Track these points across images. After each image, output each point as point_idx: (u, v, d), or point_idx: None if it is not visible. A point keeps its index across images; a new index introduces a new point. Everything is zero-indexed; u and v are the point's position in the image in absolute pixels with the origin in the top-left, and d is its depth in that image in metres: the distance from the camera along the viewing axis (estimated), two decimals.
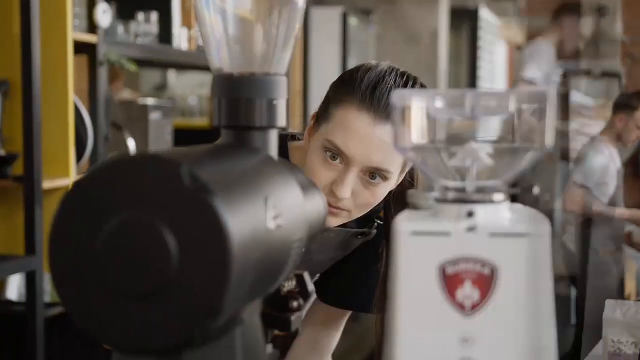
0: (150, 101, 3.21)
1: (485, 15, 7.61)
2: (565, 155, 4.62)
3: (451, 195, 0.67)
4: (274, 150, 0.76)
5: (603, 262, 4.18)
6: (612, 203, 4.22)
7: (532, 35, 9.89)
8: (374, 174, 1.23)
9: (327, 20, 4.88)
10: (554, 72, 4.39)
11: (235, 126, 0.75)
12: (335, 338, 1.53)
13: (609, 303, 1.97)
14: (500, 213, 0.66)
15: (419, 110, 0.67)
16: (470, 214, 0.65)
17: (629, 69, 4.73)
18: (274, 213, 0.66)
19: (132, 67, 2.71)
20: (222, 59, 0.77)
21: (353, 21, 4.99)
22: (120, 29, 2.96)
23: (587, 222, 4.20)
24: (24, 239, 2.35)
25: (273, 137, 0.76)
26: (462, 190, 0.67)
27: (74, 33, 2.53)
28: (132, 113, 3.14)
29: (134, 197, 0.58)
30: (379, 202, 1.29)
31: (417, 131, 0.67)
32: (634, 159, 4.50)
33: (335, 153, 1.23)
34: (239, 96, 0.74)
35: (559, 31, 4.36)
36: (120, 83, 3.96)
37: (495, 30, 8.33)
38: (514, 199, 0.69)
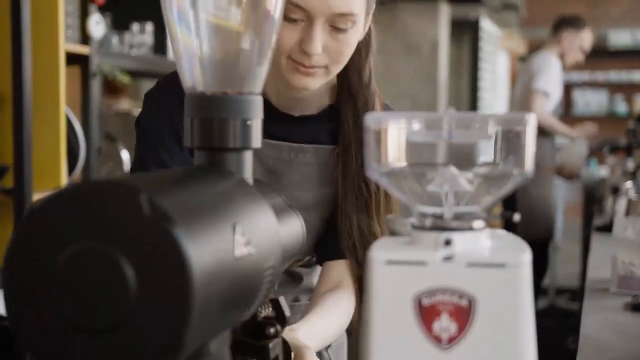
0: None
1: (486, 25, 7.59)
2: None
3: (428, 222, 0.64)
4: (248, 171, 0.73)
5: (545, 178, 4.25)
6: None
7: (533, 46, 9.90)
8: (339, 21, 1.19)
9: None
10: (559, 85, 4.41)
11: (208, 147, 0.72)
12: (352, 300, 1.34)
13: (619, 220, 1.83)
14: (479, 241, 0.64)
15: (394, 133, 0.64)
16: (448, 242, 0.62)
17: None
18: (243, 240, 0.63)
19: (125, 79, 2.69)
20: (194, 77, 0.74)
21: None
22: (115, 39, 2.94)
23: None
24: None
25: (247, 158, 0.73)
26: (440, 216, 0.65)
27: (66, 44, 2.50)
28: (127, 124, 3.12)
29: (91, 224, 0.55)
30: (352, 50, 1.24)
31: (392, 154, 0.65)
32: None
33: (294, 12, 1.18)
34: (212, 116, 0.72)
35: (559, 44, 4.36)
36: (122, 94, 3.93)
37: (497, 40, 8.31)
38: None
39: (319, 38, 1.19)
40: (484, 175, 0.64)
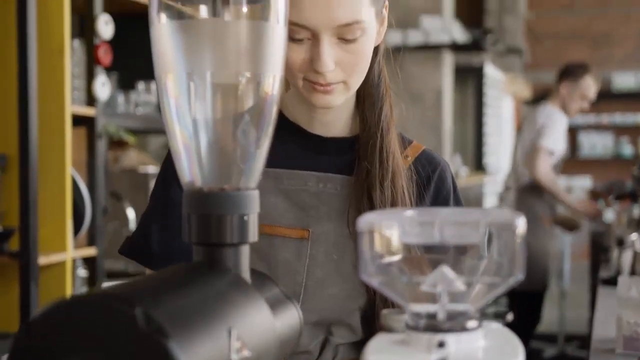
0: (152, 169, 3.21)
1: (490, 71, 7.64)
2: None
3: (422, 322, 0.65)
4: (245, 265, 0.74)
5: (540, 228, 4.23)
6: (555, 171, 4.35)
7: (537, 90, 9.96)
8: (347, 32, 1.11)
9: None
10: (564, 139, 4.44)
11: (205, 243, 0.73)
12: None
13: (622, 279, 1.80)
14: (473, 342, 0.64)
15: (386, 235, 0.65)
16: (441, 344, 0.63)
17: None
18: (239, 344, 0.64)
19: (131, 139, 2.72)
20: (192, 173, 0.75)
21: None
22: (121, 98, 2.98)
23: (531, 187, 4.29)
24: (18, 316, 2.33)
25: (244, 253, 0.74)
26: (434, 316, 0.65)
27: (73, 106, 2.53)
28: (133, 181, 3.14)
29: (86, 339, 0.56)
30: (368, 59, 1.16)
31: (384, 255, 0.65)
32: None
33: (298, 32, 1.10)
34: (209, 212, 0.73)
35: (559, 95, 4.40)
36: (128, 147, 3.97)
37: (501, 85, 8.36)
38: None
39: (329, 54, 1.11)
40: (476, 276, 0.65)
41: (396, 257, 0.67)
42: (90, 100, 2.64)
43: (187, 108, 0.74)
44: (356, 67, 1.14)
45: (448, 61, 5.66)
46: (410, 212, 0.67)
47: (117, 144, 3.68)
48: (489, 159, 7.70)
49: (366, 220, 0.65)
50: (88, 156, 2.64)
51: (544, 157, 4.21)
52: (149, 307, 0.56)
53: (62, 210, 2.47)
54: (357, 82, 1.17)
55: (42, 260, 2.39)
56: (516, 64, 9.71)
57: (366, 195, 1.19)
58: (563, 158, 4.53)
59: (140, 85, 3.10)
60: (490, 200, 6.92)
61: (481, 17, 10.04)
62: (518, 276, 0.63)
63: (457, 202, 1.28)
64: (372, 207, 1.18)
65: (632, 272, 2.66)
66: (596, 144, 10.35)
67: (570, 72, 4.38)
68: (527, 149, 4.36)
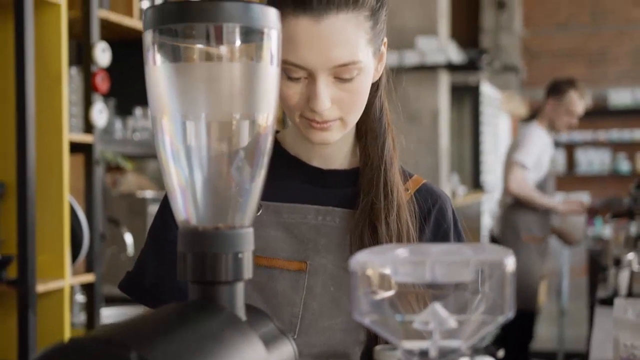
0: (149, 194, 3.22)
1: (487, 89, 7.67)
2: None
3: (415, 359, 0.66)
4: (239, 302, 0.75)
5: (524, 247, 4.21)
6: (541, 189, 4.32)
7: (533, 107, 10.00)
8: (343, 72, 1.12)
9: None
10: (547, 156, 4.44)
11: (201, 281, 0.74)
12: None
13: (618, 302, 1.79)
14: None
15: (378, 274, 0.66)
16: None
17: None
18: None
19: (128, 166, 2.73)
20: (187, 212, 0.76)
21: None
22: (119, 124, 2.99)
23: (514, 205, 4.28)
24: (17, 344, 2.33)
25: (239, 290, 0.75)
26: (425, 353, 0.66)
27: (70, 134, 2.54)
28: (131, 206, 3.15)
29: None
30: (365, 96, 1.16)
31: (377, 295, 0.67)
32: None
33: (294, 72, 1.11)
34: (204, 251, 0.74)
35: (545, 112, 4.42)
36: (128, 170, 3.97)
37: (498, 103, 8.39)
38: None
39: (325, 93, 1.12)
40: (468, 313, 0.66)
41: (388, 295, 0.68)
42: (88, 127, 2.65)
43: (182, 148, 0.75)
44: (353, 105, 1.15)
45: (444, 81, 5.69)
46: (402, 251, 0.68)
47: (116, 167, 3.69)
48: (486, 177, 7.72)
49: (358, 259, 0.66)
50: (86, 183, 2.65)
51: (516, 170, 4.23)
52: (144, 350, 0.57)
53: (60, 237, 2.48)
54: (354, 119, 1.18)
55: (40, 287, 2.40)
56: (513, 82, 9.75)
57: (370, 229, 1.19)
58: (555, 175, 4.53)
59: (138, 111, 3.11)
60: (487, 218, 6.93)
61: (477, 35, 10.09)
62: (508, 314, 0.64)
63: (458, 236, 1.28)
64: (377, 241, 1.19)
65: (630, 293, 2.66)
66: (593, 161, 10.38)
67: (555, 89, 4.41)
68: (504, 165, 4.41)
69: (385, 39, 1.22)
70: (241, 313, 0.75)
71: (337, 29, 1.10)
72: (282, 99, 1.14)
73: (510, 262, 0.64)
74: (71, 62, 2.71)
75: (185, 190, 0.76)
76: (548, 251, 4.54)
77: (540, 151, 4.31)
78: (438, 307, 0.66)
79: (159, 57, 0.75)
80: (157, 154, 0.78)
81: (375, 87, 1.23)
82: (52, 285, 2.46)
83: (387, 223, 1.19)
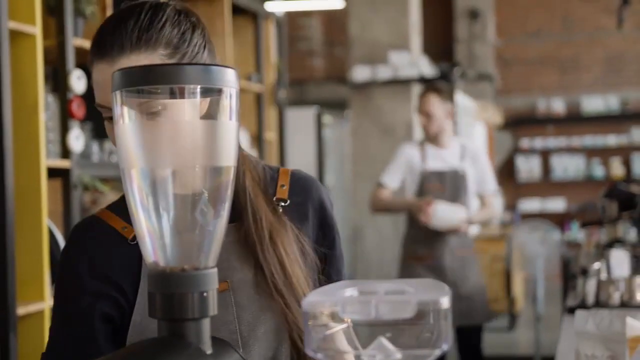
0: None
1: (461, 100, 7.77)
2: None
3: None
4: (206, 337, 0.82)
5: (460, 260, 4.09)
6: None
7: (508, 115, 10.12)
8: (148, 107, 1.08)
9: (302, 119, 4.99)
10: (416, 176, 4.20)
11: (169, 319, 0.81)
12: None
13: (579, 313, 1.84)
14: None
15: (328, 313, 0.73)
16: None
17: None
18: None
19: (105, 189, 2.79)
20: (155, 255, 0.83)
21: (327, 119, 5.11)
22: (95, 147, 3.04)
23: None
24: None
25: (205, 326, 0.82)
26: None
27: (48, 160, 2.60)
28: None
29: None
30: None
31: (327, 332, 0.74)
32: None
33: (105, 112, 1.18)
34: (172, 291, 0.81)
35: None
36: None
37: (473, 112, 8.49)
38: None
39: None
40: (410, 347, 0.73)
41: (337, 330, 0.75)
42: (65, 152, 2.71)
43: (149, 196, 0.82)
44: None
45: (417, 94, 5.78)
46: (349, 292, 0.76)
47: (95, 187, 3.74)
48: None
49: (309, 301, 0.74)
50: (64, 207, 2.71)
51: (375, 191, 4.18)
52: None
53: (39, 260, 2.53)
54: None
55: (20, 310, 2.45)
56: (487, 90, 9.87)
57: (254, 256, 1.26)
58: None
59: None
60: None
61: (452, 45, 10.22)
62: (443, 347, 0.72)
63: (331, 221, 1.34)
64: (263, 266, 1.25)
65: (597, 302, 2.73)
66: (568, 167, 10.52)
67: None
68: None
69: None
70: (207, 347, 0.82)
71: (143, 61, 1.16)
72: (111, 140, 1.20)
73: (445, 301, 0.71)
74: (47, 89, 2.76)
75: (153, 235, 0.83)
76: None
77: (400, 165, 4.21)
78: (384, 341, 0.74)
79: (126, 116, 0.82)
80: (126, 202, 0.85)
81: None
82: (32, 307, 2.51)
83: (263, 250, 1.25)
